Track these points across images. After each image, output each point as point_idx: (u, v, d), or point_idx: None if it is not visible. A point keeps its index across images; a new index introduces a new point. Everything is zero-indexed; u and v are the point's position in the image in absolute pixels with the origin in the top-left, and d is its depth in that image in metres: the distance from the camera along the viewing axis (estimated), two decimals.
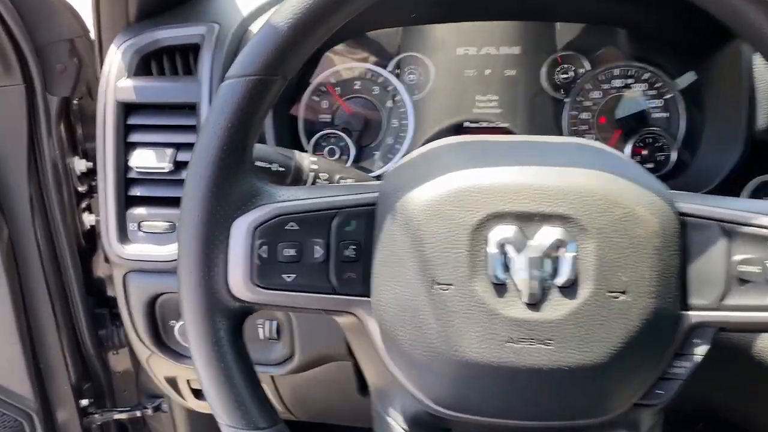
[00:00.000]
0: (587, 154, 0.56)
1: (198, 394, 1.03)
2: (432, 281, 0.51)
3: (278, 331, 0.89)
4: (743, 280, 0.52)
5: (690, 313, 0.52)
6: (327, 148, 0.94)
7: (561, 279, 0.50)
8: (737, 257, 0.52)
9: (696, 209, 0.53)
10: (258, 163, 0.68)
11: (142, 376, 1.16)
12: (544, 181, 0.51)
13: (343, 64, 0.94)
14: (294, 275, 0.54)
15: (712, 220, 0.52)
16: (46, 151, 0.97)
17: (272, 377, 0.95)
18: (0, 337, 0.99)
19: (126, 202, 0.86)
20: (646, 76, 0.91)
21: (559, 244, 0.51)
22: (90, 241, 1.06)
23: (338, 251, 0.54)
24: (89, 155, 1.03)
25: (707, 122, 0.85)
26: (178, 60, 0.86)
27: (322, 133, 0.94)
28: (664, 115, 0.90)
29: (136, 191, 0.86)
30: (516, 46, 0.90)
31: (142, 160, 0.84)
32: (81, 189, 1.02)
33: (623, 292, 0.50)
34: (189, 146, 0.83)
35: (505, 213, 0.51)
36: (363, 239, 0.54)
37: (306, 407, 1.03)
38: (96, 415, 1.12)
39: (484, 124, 0.91)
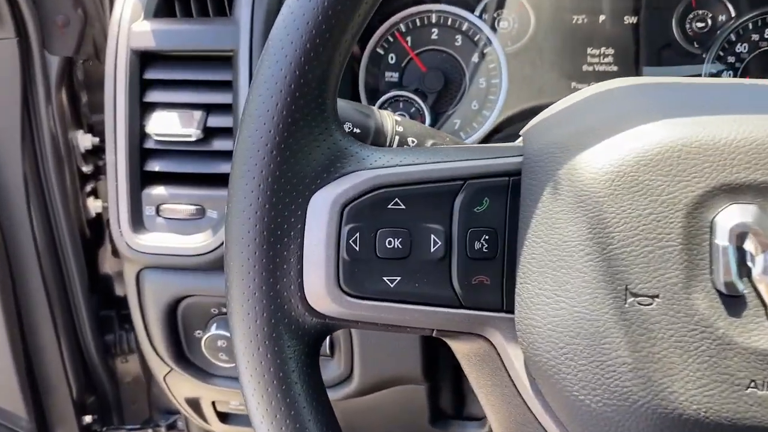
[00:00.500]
0: None
1: (224, 417, 0.97)
2: (624, 291, 0.39)
3: (331, 346, 0.81)
4: None
5: None
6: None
7: None
8: None
9: None
10: None
11: (154, 388, 1.13)
12: None
13: (417, 6, 0.84)
14: (398, 278, 0.43)
15: None
16: (43, 122, 0.92)
17: None
18: None
19: (142, 179, 0.80)
20: None
21: None
22: (96, 231, 1.02)
23: (465, 243, 0.44)
24: (96, 129, 0.98)
25: None
26: None
27: (388, 95, 0.83)
28: None
29: (155, 166, 0.79)
30: None
31: (163, 125, 0.77)
32: (86, 169, 0.97)
33: None
34: (222, 108, 0.77)
35: (740, 185, 0.39)
36: (502, 225, 0.44)
37: None
38: None
39: None
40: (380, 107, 0.83)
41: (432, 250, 0.43)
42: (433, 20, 0.85)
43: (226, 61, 0.77)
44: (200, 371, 0.85)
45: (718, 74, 0.81)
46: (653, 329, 0.39)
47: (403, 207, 0.43)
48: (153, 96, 0.78)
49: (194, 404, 0.96)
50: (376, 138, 0.58)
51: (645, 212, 0.39)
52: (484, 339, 0.45)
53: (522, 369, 0.44)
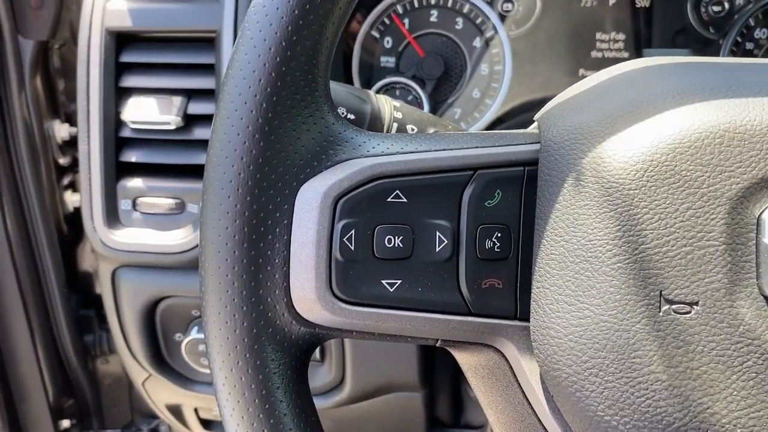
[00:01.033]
0: None
1: (208, 425, 0.94)
2: (658, 298, 0.36)
3: (321, 350, 0.79)
4: None
5: None
6: None
7: None
8: None
9: None
10: None
11: (137, 390, 1.09)
12: None
13: None
14: (398, 281, 0.39)
15: None
16: (16, 111, 0.90)
17: None
18: None
19: (117, 170, 0.77)
20: None
21: None
22: (74, 226, 0.99)
23: (474, 241, 0.40)
24: (73, 119, 0.96)
25: None
26: None
27: (383, 82, 0.80)
28: None
29: (131, 156, 0.77)
30: None
31: (140, 112, 0.75)
32: (62, 161, 0.95)
33: None
34: (204, 94, 0.74)
35: None
36: (516, 221, 0.40)
37: None
38: None
39: None
40: (374, 93, 0.80)
41: (437, 249, 0.39)
42: (432, 1, 0.82)
43: (208, 42, 0.75)
44: (181, 377, 0.84)
45: None
46: (692, 341, 0.35)
47: (405, 200, 0.39)
48: (129, 80, 0.76)
49: (175, 411, 0.93)
50: (372, 125, 0.55)
51: (682, 207, 0.35)
52: (495, 350, 0.41)
53: (538, 384, 0.40)
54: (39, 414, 1.01)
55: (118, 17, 0.75)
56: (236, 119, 0.37)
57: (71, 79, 0.95)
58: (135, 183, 0.77)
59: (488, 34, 0.80)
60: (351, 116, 0.54)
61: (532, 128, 0.45)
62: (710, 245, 0.35)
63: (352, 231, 0.39)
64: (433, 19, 0.81)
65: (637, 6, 0.79)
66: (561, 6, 0.80)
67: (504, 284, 0.40)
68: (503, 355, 0.41)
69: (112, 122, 0.76)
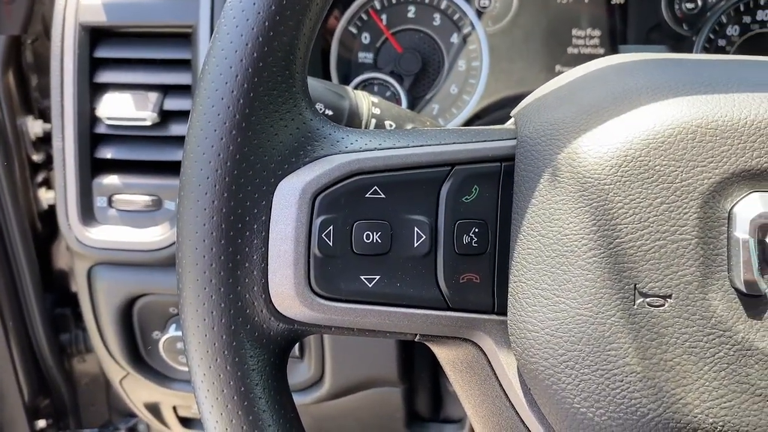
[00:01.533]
0: None
1: (186, 423, 0.93)
2: (632, 291, 0.36)
3: (300, 347, 0.78)
4: None
5: None
6: None
7: None
8: None
9: None
10: None
11: (114, 389, 1.08)
12: None
13: None
14: (377, 277, 0.39)
15: None
16: None
17: None
18: None
19: (92, 167, 0.76)
20: None
21: None
22: (48, 224, 0.97)
23: (452, 237, 0.40)
24: (47, 115, 0.94)
25: None
26: None
27: (361, 78, 0.80)
28: None
29: (106, 153, 0.76)
30: None
31: (115, 108, 0.74)
32: (36, 158, 0.93)
33: None
34: (180, 90, 0.74)
35: (763, 171, 0.36)
36: (493, 217, 0.40)
37: None
38: None
39: None
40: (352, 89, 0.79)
41: (415, 245, 0.39)
42: None
43: (184, 37, 0.74)
44: (159, 375, 0.83)
45: None
46: (665, 333, 0.35)
47: (383, 196, 0.39)
48: (104, 76, 0.75)
49: (154, 409, 0.92)
50: (350, 120, 0.55)
51: (656, 201, 0.35)
52: (473, 344, 0.41)
53: (515, 377, 0.40)
54: (14, 414, 1.00)
55: (92, 12, 0.74)
56: (213, 115, 0.37)
57: (45, 74, 0.93)
58: (111, 180, 0.76)
59: (465, 30, 0.80)
60: (329, 112, 0.54)
61: (509, 124, 0.46)
62: (683, 239, 0.35)
63: (331, 227, 0.39)
64: (410, 15, 0.81)
65: (612, 3, 0.78)
66: (538, 3, 0.80)
67: (482, 279, 0.40)
68: (481, 349, 0.41)
69: (87, 118, 0.75)
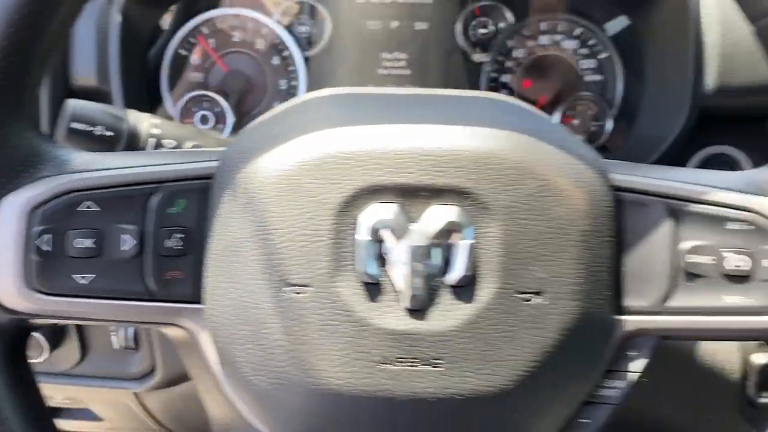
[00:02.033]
0: (496, 112, 0.47)
1: None
2: (281, 281, 0.43)
3: (136, 339, 0.78)
4: (692, 275, 0.45)
5: (625, 318, 0.45)
6: (198, 114, 0.84)
7: (454, 275, 0.42)
8: (685, 244, 0.45)
9: (635, 182, 0.46)
10: (75, 125, 0.58)
11: None
12: (435, 144, 0.43)
13: (217, 10, 0.85)
14: (92, 275, 0.45)
15: (655, 195, 0.45)
16: None
17: (135, 393, 0.83)
18: None
19: None
20: (578, 31, 0.84)
21: (451, 228, 0.42)
22: None
23: (157, 241, 0.45)
24: None
25: (647, 86, 0.80)
26: None
27: (191, 95, 0.83)
28: (598, 77, 0.83)
29: None
30: None
31: None
32: None
33: (537, 293, 0.42)
34: None
35: (381, 186, 0.42)
36: (194, 225, 0.46)
37: (187, 424, 0.92)
38: None
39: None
40: (184, 107, 0.83)
41: (124, 248, 0.45)
42: (234, 23, 0.85)
43: None
44: None
45: (498, 78, 0.85)
46: (304, 315, 0.42)
47: (98, 209, 0.45)
48: None
49: None
50: (130, 141, 0.60)
51: (303, 212, 0.42)
52: (183, 328, 0.47)
53: (213, 354, 0.46)
54: None
55: None
56: None
57: None
58: None
59: (285, 54, 0.85)
60: (110, 134, 0.58)
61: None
62: (320, 241, 0.42)
63: (49, 235, 0.44)
64: (235, 39, 0.85)
65: (416, 29, 0.84)
66: (350, 29, 0.85)
67: (186, 275, 0.46)
68: (190, 333, 0.47)
69: None
